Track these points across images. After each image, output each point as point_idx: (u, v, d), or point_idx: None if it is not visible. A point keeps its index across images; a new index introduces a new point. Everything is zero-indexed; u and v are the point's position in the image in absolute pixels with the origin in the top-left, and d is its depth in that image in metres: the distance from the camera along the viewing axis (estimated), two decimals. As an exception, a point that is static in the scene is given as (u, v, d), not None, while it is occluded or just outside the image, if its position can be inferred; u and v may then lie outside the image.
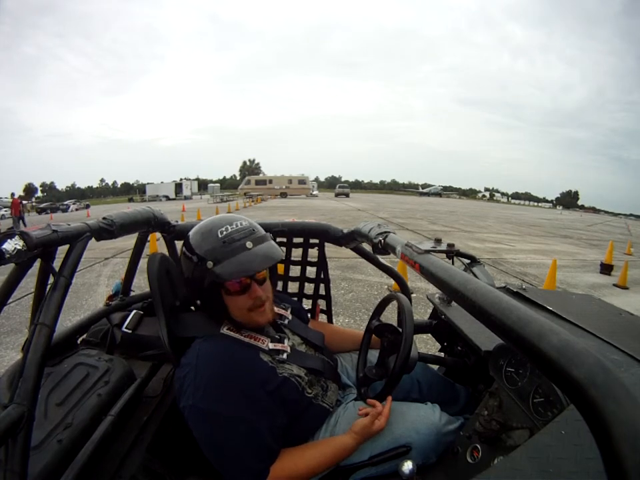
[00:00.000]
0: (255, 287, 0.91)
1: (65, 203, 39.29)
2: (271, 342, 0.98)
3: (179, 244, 1.42)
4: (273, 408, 0.88)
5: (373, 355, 1.18)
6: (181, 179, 48.62)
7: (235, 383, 0.85)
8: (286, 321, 1.12)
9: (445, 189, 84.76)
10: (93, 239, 0.94)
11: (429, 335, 1.64)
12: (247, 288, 0.90)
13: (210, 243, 0.88)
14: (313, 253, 1.57)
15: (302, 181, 40.55)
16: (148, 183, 53.54)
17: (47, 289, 0.79)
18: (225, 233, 0.88)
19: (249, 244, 0.88)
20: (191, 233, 0.94)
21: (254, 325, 0.96)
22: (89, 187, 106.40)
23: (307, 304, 1.55)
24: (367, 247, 1.35)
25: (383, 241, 1.09)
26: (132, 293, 1.41)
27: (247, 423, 0.83)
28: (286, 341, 1.03)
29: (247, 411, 0.84)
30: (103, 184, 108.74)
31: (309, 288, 1.62)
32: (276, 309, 1.12)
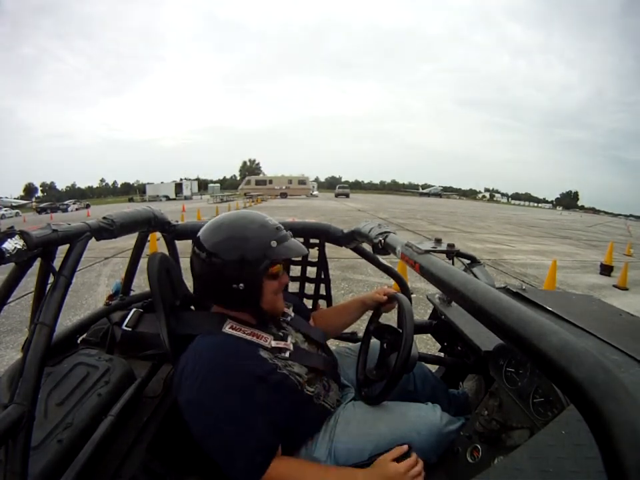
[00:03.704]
0: (285, 273, 1.03)
1: (65, 202, 39.06)
2: (274, 339, 0.98)
3: (179, 244, 1.43)
4: (271, 404, 0.88)
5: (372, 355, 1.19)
6: (181, 179, 48.54)
7: (232, 379, 0.85)
8: (288, 318, 1.12)
9: (445, 189, 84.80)
10: (93, 238, 0.94)
11: (429, 334, 1.64)
12: (281, 273, 1.00)
13: (266, 229, 0.97)
14: (313, 253, 1.57)
15: (302, 181, 40.49)
16: (148, 183, 53.41)
17: (47, 289, 0.79)
18: (271, 223, 0.99)
19: (290, 234, 1.02)
20: (228, 232, 0.94)
21: (276, 312, 1.03)
22: (89, 186, 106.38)
23: (307, 304, 1.55)
24: (367, 247, 1.35)
25: (383, 241, 1.09)
26: (132, 293, 1.41)
27: (243, 418, 0.83)
28: (289, 338, 1.03)
29: (244, 406, 0.84)
30: (103, 184, 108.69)
31: (309, 288, 1.62)
32: None
